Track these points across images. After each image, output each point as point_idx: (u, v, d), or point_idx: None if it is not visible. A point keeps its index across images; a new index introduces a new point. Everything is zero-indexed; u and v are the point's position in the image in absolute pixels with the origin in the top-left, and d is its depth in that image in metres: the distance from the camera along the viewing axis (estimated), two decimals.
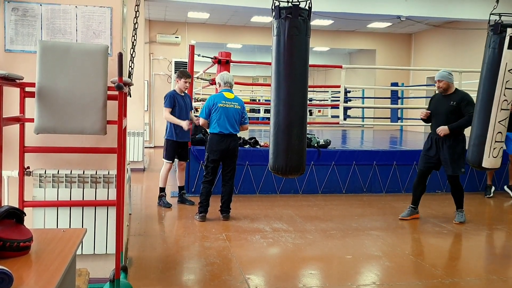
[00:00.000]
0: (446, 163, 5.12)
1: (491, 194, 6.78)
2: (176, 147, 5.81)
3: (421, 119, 5.41)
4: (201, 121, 5.25)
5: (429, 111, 5.30)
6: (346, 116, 11.18)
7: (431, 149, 5.24)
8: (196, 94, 8.83)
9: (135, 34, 3.52)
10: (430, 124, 5.37)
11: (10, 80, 2.57)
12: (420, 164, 5.39)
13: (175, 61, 12.24)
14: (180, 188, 6.07)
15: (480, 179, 7.26)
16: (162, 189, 5.90)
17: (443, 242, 4.63)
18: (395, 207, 6.11)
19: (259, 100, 15.70)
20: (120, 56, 2.66)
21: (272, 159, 3.51)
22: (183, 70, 6.07)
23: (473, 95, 10.17)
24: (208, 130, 5.29)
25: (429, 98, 5.76)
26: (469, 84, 10.03)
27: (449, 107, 5.10)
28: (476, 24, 11.19)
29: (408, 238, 4.84)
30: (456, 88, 5.32)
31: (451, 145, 5.09)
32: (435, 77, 5.30)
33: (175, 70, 12.00)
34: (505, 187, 6.96)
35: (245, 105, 5.43)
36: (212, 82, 7.38)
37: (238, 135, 5.46)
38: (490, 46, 4.21)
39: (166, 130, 5.88)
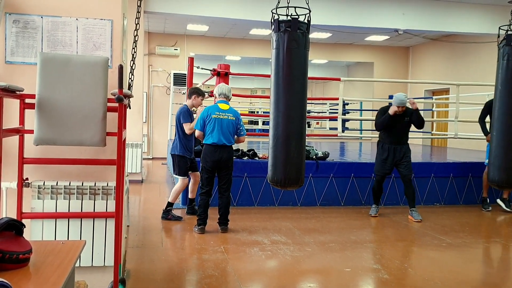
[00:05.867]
0: (404, 166, 6.06)
1: (489, 208, 6.79)
2: (188, 161, 5.77)
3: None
4: (197, 132, 5.25)
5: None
6: (344, 128, 11.23)
7: (388, 158, 6.09)
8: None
9: (135, 46, 3.54)
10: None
11: (10, 91, 2.58)
12: (380, 170, 6.17)
13: (174, 73, 12.27)
14: (191, 200, 6.07)
15: (478, 192, 7.27)
16: (171, 204, 5.81)
17: (441, 255, 4.62)
18: (394, 220, 6.11)
19: (257, 112, 15.73)
20: (121, 68, 2.67)
21: (271, 171, 3.52)
22: (200, 88, 6.07)
23: (469, 106, 10.18)
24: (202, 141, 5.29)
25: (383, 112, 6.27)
26: (467, 97, 10.10)
27: (405, 123, 6.17)
28: (473, 37, 11.29)
29: (407, 251, 4.83)
30: None
31: (405, 152, 6.11)
32: (401, 101, 5.93)
33: (174, 82, 12.04)
34: (498, 200, 6.96)
35: (241, 117, 5.40)
36: (211, 94, 7.40)
37: (237, 146, 5.44)
38: (503, 58, 4.10)
39: (175, 146, 5.76)
